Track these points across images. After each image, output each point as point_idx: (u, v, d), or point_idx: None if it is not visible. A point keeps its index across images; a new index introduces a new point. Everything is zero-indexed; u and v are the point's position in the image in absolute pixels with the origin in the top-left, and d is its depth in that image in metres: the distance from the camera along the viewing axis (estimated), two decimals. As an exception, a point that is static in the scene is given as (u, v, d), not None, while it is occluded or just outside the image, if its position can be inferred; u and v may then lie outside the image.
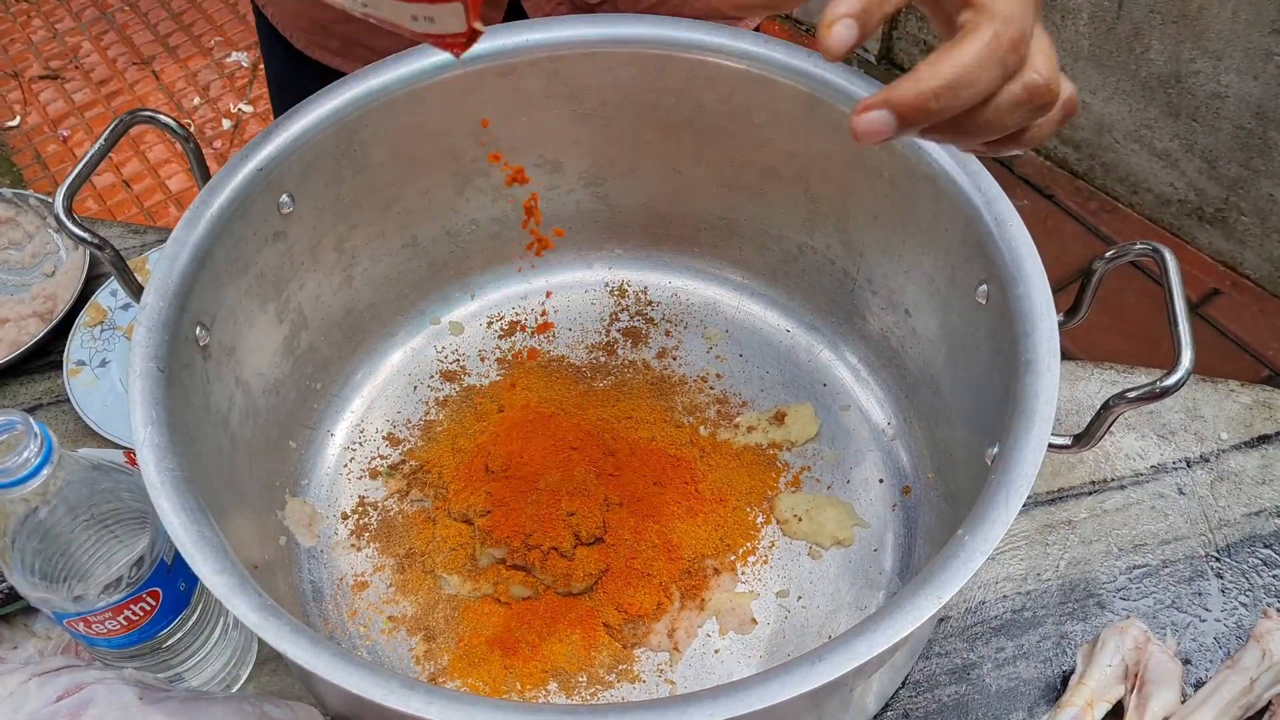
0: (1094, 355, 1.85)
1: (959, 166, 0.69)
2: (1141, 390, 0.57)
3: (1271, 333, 1.91)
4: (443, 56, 0.75)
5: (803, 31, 2.48)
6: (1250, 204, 1.87)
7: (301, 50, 0.95)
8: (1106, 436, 0.82)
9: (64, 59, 2.62)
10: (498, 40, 0.76)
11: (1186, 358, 0.57)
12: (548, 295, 0.90)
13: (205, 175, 0.72)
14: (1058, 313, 0.64)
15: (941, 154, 0.70)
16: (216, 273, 0.68)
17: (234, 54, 2.60)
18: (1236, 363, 1.88)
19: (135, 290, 0.68)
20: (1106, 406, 0.59)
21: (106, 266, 0.72)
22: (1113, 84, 1.94)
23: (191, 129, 2.45)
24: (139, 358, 0.61)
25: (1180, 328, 0.58)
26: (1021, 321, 0.62)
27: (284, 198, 0.73)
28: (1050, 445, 0.59)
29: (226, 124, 2.46)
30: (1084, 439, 0.61)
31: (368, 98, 0.74)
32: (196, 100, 2.51)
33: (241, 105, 2.49)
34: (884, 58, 2.36)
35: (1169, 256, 0.61)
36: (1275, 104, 1.73)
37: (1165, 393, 0.57)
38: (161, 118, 0.70)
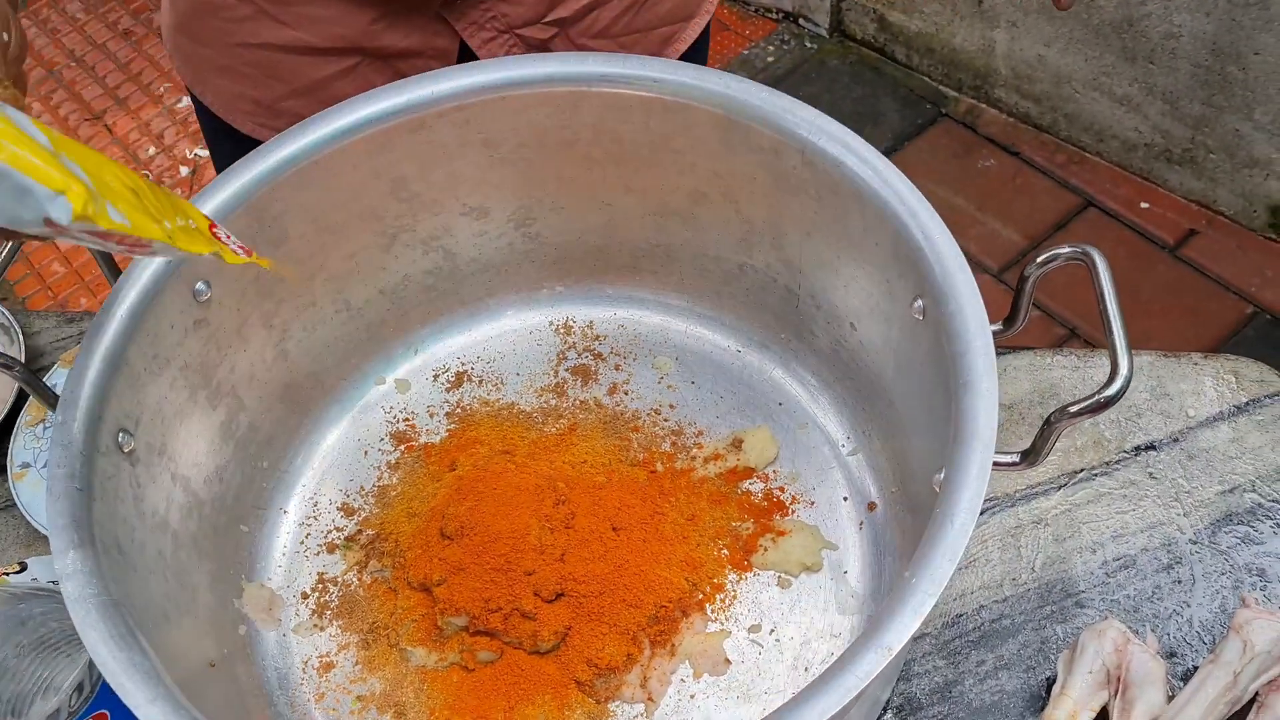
0: (1073, 308, 1.83)
1: (883, 181, 0.67)
2: (1083, 404, 0.56)
3: (1252, 267, 1.88)
4: (346, 120, 0.74)
5: (752, 13, 2.44)
6: (1217, 141, 1.85)
7: (248, 134, 0.92)
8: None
9: (15, 122, 2.59)
10: (403, 96, 0.74)
11: (1124, 365, 0.55)
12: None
13: (115, 273, 0.70)
14: (994, 322, 0.62)
15: (864, 169, 0.68)
16: (134, 374, 0.66)
17: (185, 99, 2.57)
18: (1220, 302, 1.85)
19: (53, 403, 0.66)
20: (1049, 423, 0.57)
21: (55, 360, 0.71)
22: (1066, 34, 1.91)
23: (150, 179, 2.42)
24: (55, 479, 0.59)
25: (1115, 335, 0.56)
26: (956, 339, 0.60)
27: (199, 285, 0.71)
28: (997, 465, 0.57)
29: (185, 171, 2.44)
30: (1031, 455, 0.59)
31: (274, 172, 0.72)
32: (152, 150, 2.49)
33: (198, 150, 2.47)
34: (835, 30, 2.33)
35: (1099, 259, 0.59)
36: (1230, 39, 1.71)
37: (1108, 403, 0.55)
38: (60, 222, 0.68)
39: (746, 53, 2.38)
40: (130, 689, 0.52)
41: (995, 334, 0.61)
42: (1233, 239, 1.92)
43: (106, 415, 0.63)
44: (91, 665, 0.59)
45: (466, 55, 0.87)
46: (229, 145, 0.93)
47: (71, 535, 0.58)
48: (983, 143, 2.12)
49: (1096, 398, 0.55)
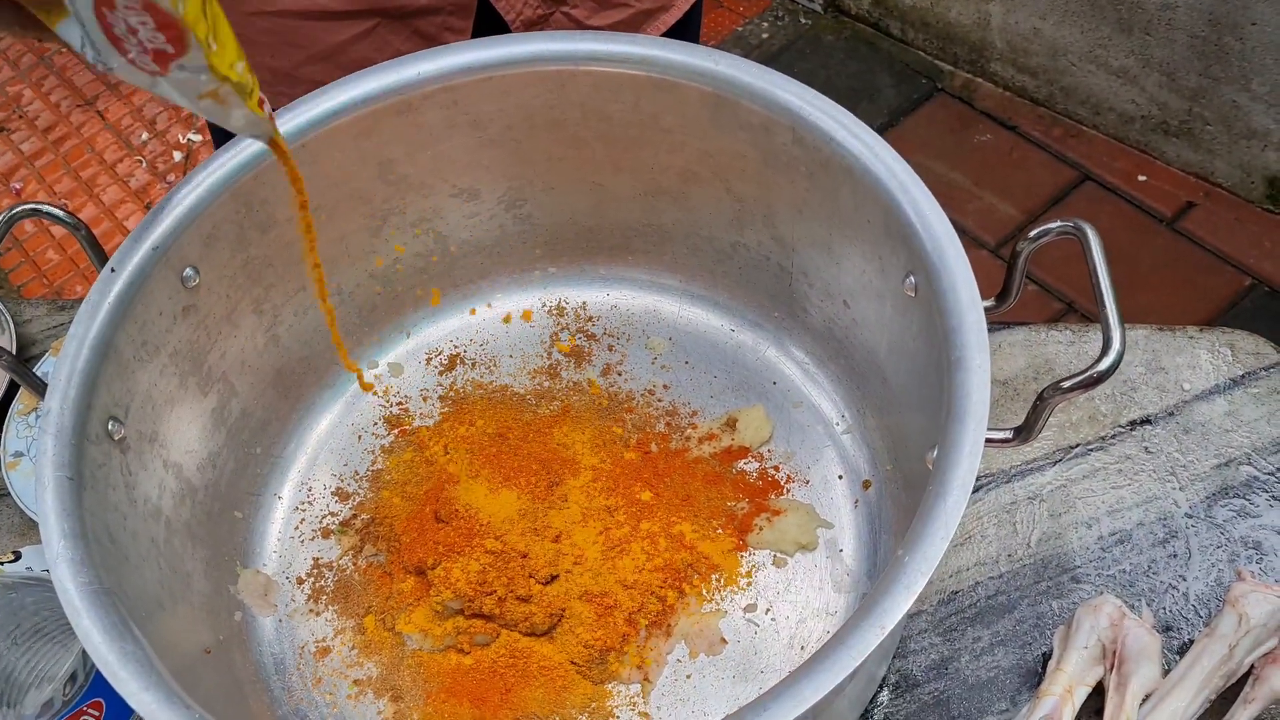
0: (1069, 283, 1.83)
1: (873, 156, 0.66)
2: (1076, 379, 0.55)
3: (1250, 239, 1.87)
4: (331, 103, 0.73)
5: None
6: (1214, 112, 1.83)
7: None
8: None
9: (7, 110, 2.58)
10: (389, 77, 0.74)
11: (1117, 339, 0.55)
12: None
13: (102, 259, 0.69)
14: (987, 298, 0.62)
15: (855, 144, 0.67)
16: (123, 361, 0.66)
17: (176, 83, 2.56)
18: (1218, 275, 1.85)
19: (41, 390, 0.66)
20: (1041, 398, 0.57)
21: (46, 348, 0.70)
22: (1062, 6, 1.90)
23: (143, 165, 2.42)
24: (45, 469, 0.59)
25: (1108, 309, 0.56)
26: (948, 315, 0.60)
27: (187, 271, 0.70)
28: (990, 441, 0.57)
29: (178, 156, 2.43)
30: (1024, 432, 0.58)
31: (261, 157, 0.71)
32: (145, 135, 2.48)
33: (191, 135, 2.46)
34: (830, 5, 2.31)
35: (1090, 233, 0.58)
36: (1226, 9, 1.69)
37: (1101, 378, 0.55)
38: (46, 209, 0.67)
39: (740, 29, 2.36)
40: (124, 678, 0.52)
41: (988, 310, 0.61)
42: (1231, 211, 1.91)
43: (96, 403, 0.63)
44: (85, 654, 0.59)
45: (485, 8, 0.86)
46: None
47: (62, 524, 0.57)
48: (979, 117, 2.11)
49: (1089, 373, 0.55)
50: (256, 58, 0.87)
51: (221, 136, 1.01)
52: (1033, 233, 0.61)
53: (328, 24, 0.84)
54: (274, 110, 0.73)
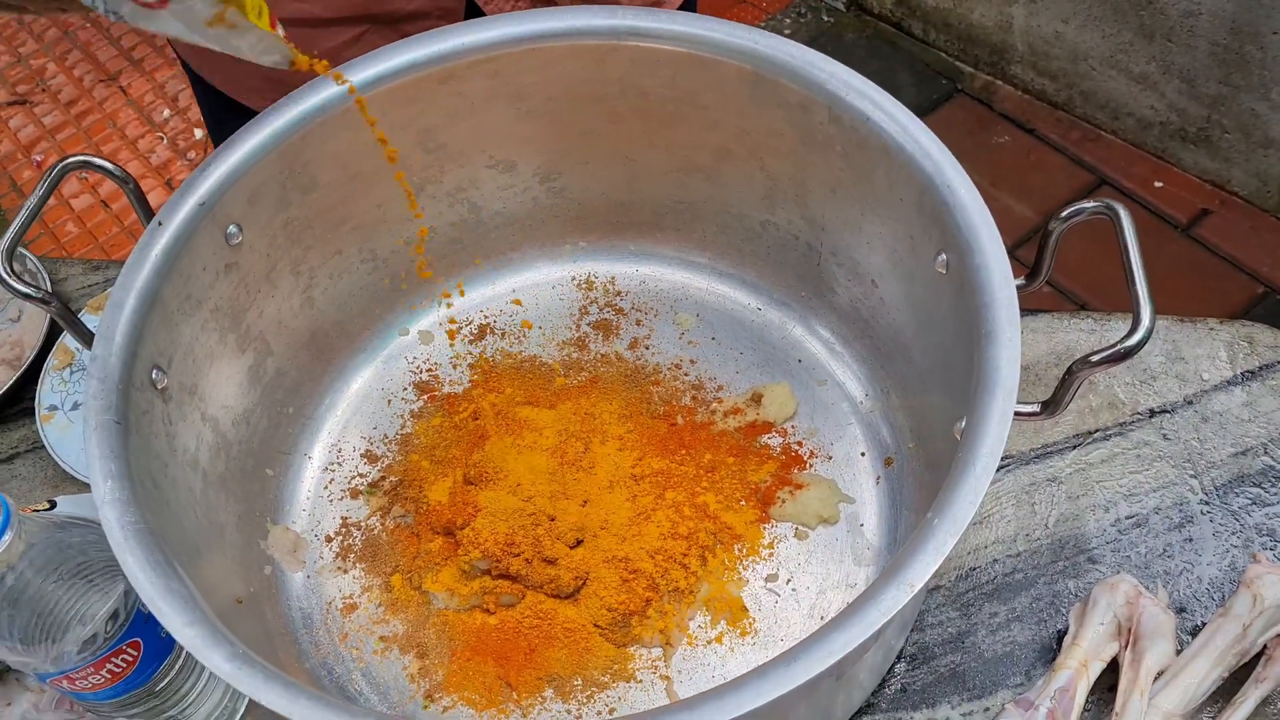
0: (1084, 283, 1.84)
1: (909, 136, 0.68)
2: (1105, 353, 0.56)
3: (1264, 249, 1.88)
4: (375, 69, 0.74)
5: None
6: (1233, 120, 1.85)
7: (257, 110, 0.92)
8: (1086, 386, 0.81)
9: (30, 83, 2.60)
10: (434, 46, 0.75)
11: (1146, 315, 0.56)
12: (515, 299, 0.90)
13: (149, 214, 0.71)
14: (1018, 277, 0.63)
15: (891, 125, 0.69)
16: (168, 313, 0.67)
17: (199, 61, 2.57)
18: (1231, 282, 1.86)
19: (87, 339, 0.67)
20: (1070, 372, 0.58)
21: (82, 306, 0.72)
22: (1085, 10, 1.91)
23: (164, 142, 2.43)
24: (93, 411, 0.60)
25: (1138, 287, 0.57)
26: (980, 291, 0.61)
27: (231, 228, 0.72)
28: (1018, 414, 0.58)
29: (199, 134, 2.44)
30: (1052, 405, 0.60)
31: (306, 119, 0.73)
32: (166, 112, 2.49)
33: (212, 113, 2.47)
34: (853, 3, 2.32)
35: (1123, 213, 0.60)
36: (1249, 17, 1.70)
37: (1129, 353, 0.56)
38: (95, 161, 0.69)
39: (763, 25, 2.38)
40: (168, 613, 0.54)
41: (1019, 288, 0.62)
42: (1246, 219, 1.92)
43: (141, 351, 0.64)
44: (126, 594, 0.60)
45: (474, 13, 0.87)
46: (233, 124, 0.94)
47: (109, 465, 0.59)
48: (997, 119, 2.12)
49: (1118, 347, 0.56)
50: (250, 65, 0.88)
51: (220, 136, 1.02)
52: (1065, 212, 0.63)
53: (318, 31, 0.86)
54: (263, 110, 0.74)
